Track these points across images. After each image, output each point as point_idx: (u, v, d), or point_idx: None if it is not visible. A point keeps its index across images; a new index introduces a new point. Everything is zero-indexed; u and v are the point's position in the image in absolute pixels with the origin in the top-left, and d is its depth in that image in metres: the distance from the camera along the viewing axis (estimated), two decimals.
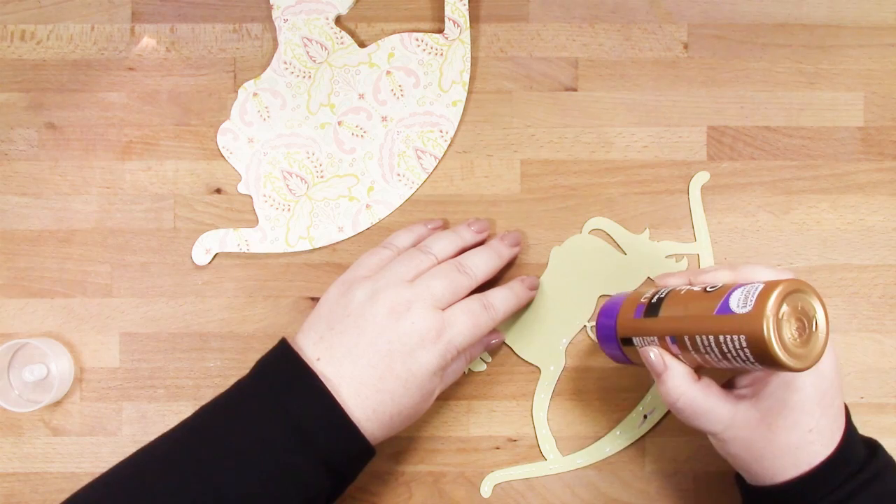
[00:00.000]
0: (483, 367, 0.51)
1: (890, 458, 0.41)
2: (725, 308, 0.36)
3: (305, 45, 0.51)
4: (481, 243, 0.49)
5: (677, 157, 0.52)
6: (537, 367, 0.51)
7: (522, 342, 0.51)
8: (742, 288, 0.36)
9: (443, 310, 0.43)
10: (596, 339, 0.50)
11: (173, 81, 0.52)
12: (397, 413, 0.42)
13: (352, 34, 0.52)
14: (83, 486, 0.40)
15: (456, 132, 0.52)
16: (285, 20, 0.51)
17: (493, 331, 0.48)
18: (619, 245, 0.51)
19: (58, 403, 0.51)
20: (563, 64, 0.52)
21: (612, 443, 0.50)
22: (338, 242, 0.51)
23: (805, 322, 0.35)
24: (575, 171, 0.52)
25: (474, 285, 0.45)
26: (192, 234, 0.51)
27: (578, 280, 0.51)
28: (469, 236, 0.48)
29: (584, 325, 0.51)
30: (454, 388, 0.50)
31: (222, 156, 0.52)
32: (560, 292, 0.51)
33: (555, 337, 0.51)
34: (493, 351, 0.51)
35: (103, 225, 0.52)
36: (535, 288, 0.49)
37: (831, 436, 0.39)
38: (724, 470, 0.50)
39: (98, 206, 0.52)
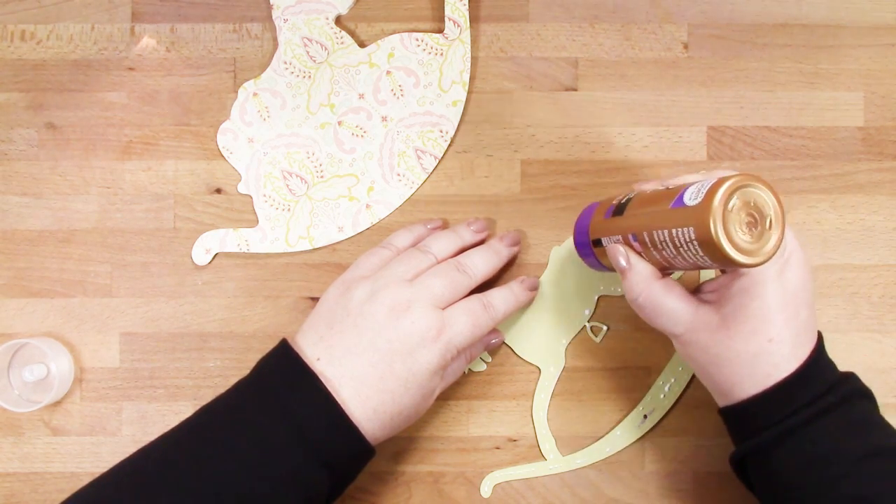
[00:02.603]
0: (483, 367, 0.51)
1: (863, 386, 0.40)
2: (679, 201, 0.36)
3: (305, 45, 0.51)
4: (482, 242, 0.49)
5: (677, 157, 0.52)
6: (537, 367, 0.51)
7: (522, 342, 0.51)
8: (697, 183, 0.36)
9: (442, 309, 0.43)
10: (594, 338, 0.50)
11: (173, 81, 0.52)
12: (398, 413, 0.42)
13: (352, 34, 0.52)
14: (83, 486, 0.40)
15: (456, 132, 0.52)
16: (285, 20, 0.51)
17: (494, 330, 0.48)
18: None
19: (58, 403, 0.51)
20: (563, 64, 0.52)
21: (612, 443, 0.50)
22: (338, 242, 0.51)
23: (757, 217, 0.35)
24: (575, 171, 0.52)
25: (474, 285, 0.45)
26: (192, 234, 0.51)
27: (578, 280, 0.51)
28: (469, 236, 0.48)
29: (584, 325, 0.51)
30: (454, 388, 0.50)
31: (222, 156, 0.52)
32: (560, 292, 0.51)
33: (555, 337, 0.51)
34: (493, 351, 0.51)
35: (103, 225, 0.52)
36: (535, 289, 0.49)
37: (794, 351, 0.38)
38: (725, 470, 0.50)
39: (98, 206, 0.52)
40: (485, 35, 0.52)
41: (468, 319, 0.43)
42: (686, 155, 0.52)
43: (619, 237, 0.41)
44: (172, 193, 0.52)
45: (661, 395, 0.50)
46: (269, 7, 0.51)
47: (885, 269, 0.51)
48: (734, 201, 0.34)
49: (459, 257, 0.46)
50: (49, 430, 0.51)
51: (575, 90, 0.52)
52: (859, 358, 0.51)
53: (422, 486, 0.51)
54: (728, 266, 0.37)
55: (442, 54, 0.51)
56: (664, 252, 0.37)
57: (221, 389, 0.42)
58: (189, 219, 0.52)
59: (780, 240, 0.35)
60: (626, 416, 0.50)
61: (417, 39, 0.51)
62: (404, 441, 0.50)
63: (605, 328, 0.51)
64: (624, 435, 0.50)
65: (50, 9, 0.52)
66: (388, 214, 0.51)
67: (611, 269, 0.43)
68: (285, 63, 0.51)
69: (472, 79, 0.52)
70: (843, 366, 0.51)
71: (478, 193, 0.52)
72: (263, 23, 0.52)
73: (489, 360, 0.51)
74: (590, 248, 0.44)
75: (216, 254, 0.51)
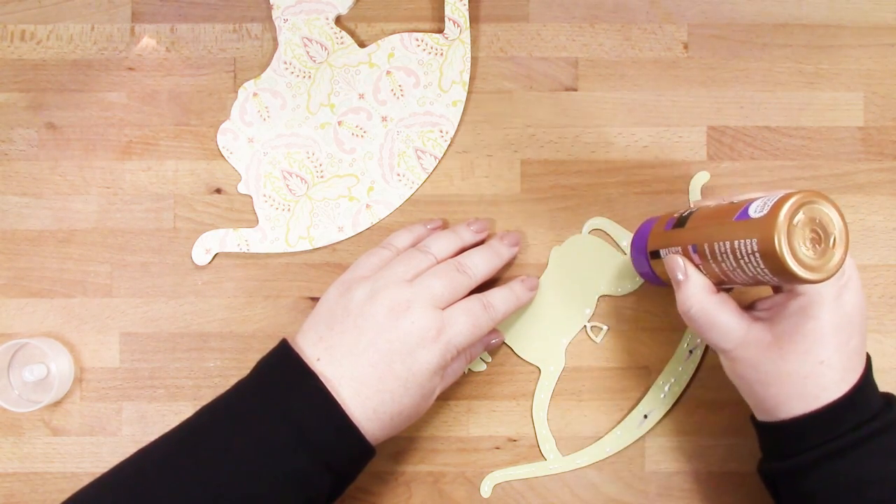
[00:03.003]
0: (483, 367, 0.51)
1: None
2: (744, 214, 0.36)
3: (305, 45, 0.51)
4: (481, 243, 0.49)
5: (677, 157, 0.52)
6: (537, 367, 0.51)
7: (522, 342, 0.51)
8: (763, 197, 0.36)
9: (442, 309, 0.43)
10: (594, 338, 0.50)
11: (173, 81, 0.52)
12: (398, 413, 0.42)
13: (352, 34, 0.52)
14: (83, 487, 0.40)
15: (456, 132, 0.52)
16: (285, 20, 0.51)
17: (494, 331, 0.48)
18: (618, 245, 0.51)
19: (58, 403, 0.51)
20: (563, 64, 0.52)
21: (613, 443, 0.50)
22: (338, 242, 0.51)
23: (822, 234, 0.35)
24: (575, 171, 0.52)
25: (474, 285, 0.45)
26: (192, 234, 0.51)
27: (578, 280, 0.51)
28: (468, 236, 0.48)
29: (584, 325, 0.51)
30: (454, 388, 0.50)
31: (222, 156, 0.52)
32: (560, 292, 0.51)
33: (555, 337, 0.51)
34: (493, 351, 0.51)
35: (103, 225, 0.52)
36: (535, 289, 0.49)
37: (844, 375, 0.38)
38: (725, 470, 0.50)
39: (98, 206, 0.52)
40: (485, 35, 0.52)
41: (468, 319, 0.43)
42: (686, 155, 0.52)
43: (679, 248, 0.41)
44: (172, 193, 0.52)
45: (661, 395, 0.50)
46: (269, 7, 0.51)
47: (885, 269, 0.51)
48: (800, 216, 0.34)
49: (459, 257, 0.45)
50: (49, 430, 0.51)
51: (575, 90, 0.52)
52: None
53: (422, 486, 0.51)
54: (788, 281, 0.36)
55: (442, 54, 0.51)
56: (724, 264, 0.38)
57: (221, 389, 0.42)
58: (189, 219, 0.52)
59: (843, 259, 0.35)
60: (626, 416, 0.50)
61: (417, 39, 0.51)
62: (404, 441, 0.50)
63: (605, 328, 0.51)
64: (624, 435, 0.50)
65: (50, 9, 0.52)
66: (388, 214, 0.51)
67: (666, 282, 0.42)
68: (285, 63, 0.51)
69: (472, 79, 0.52)
70: None
71: (478, 193, 0.52)
72: (263, 23, 0.52)
73: (489, 360, 0.51)
74: (646, 258, 0.44)
75: (216, 254, 0.51)
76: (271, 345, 0.43)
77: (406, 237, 0.47)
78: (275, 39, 0.52)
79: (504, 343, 0.51)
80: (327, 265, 0.51)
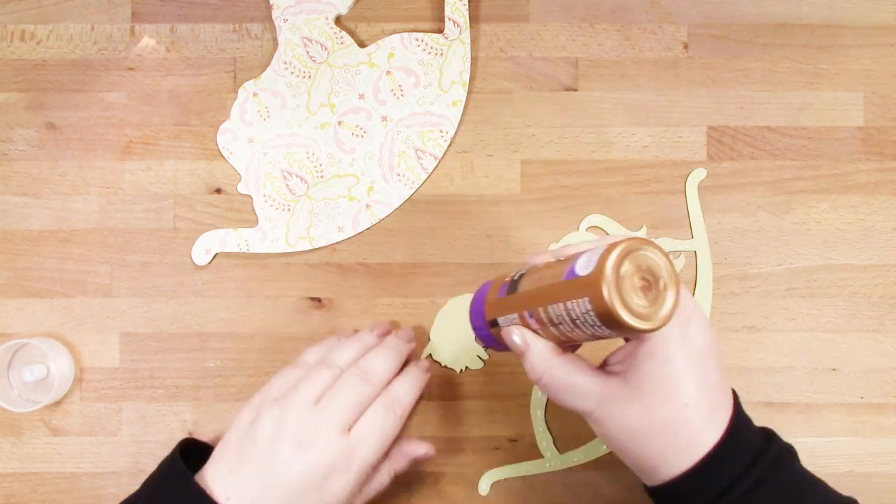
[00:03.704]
0: (480, 364, 0.51)
1: (784, 444, 0.39)
2: (571, 273, 0.34)
3: (305, 45, 0.51)
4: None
5: (677, 157, 0.52)
6: None
7: None
8: (588, 252, 0.34)
9: (349, 429, 0.43)
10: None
11: (173, 81, 0.52)
12: None
13: (352, 34, 0.52)
14: None
15: (456, 132, 0.52)
16: (285, 20, 0.51)
17: (423, 444, 0.48)
18: None
19: (58, 403, 0.51)
20: (563, 64, 0.52)
21: None
22: (338, 242, 0.51)
23: (651, 280, 0.33)
24: (575, 171, 0.52)
25: (379, 391, 0.45)
26: (192, 234, 0.51)
27: None
28: (371, 340, 0.48)
29: None
30: (454, 388, 0.50)
31: (222, 156, 0.52)
32: None
33: None
34: (491, 351, 0.51)
35: (103, 225, 0.52)
36: (428, 370, 0.49)
37: (712, 413, 0.36)
38: None
39: (98, 206, 0.52)
40: (485, 35, 0.52)
41: (375, 435, 0.43)
42: (686, 155, 0.52)
43: (516, 316, 0.38)
44: (172, 193, 0.52)
45: None
46: (269, 7, 0.51)
47: (885, 269, 0.51)
48: (626, 266, 0.33)
49: (361, 362, 0.45)
50: (49, 430, 0.51)
51: (575, 90, 0.52)
52: (859, 358, 0.51)
53: (422, 486, 0.51)
54: (628, 334, 0.35)
55: (442, 54, 0.51)
56: (562, 326, 0.36)
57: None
58: (189, 219, 0.52)
59: (677, 300, 0.34)
60: None
61: (417, 39, 0.51)
62: None
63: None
64: None
65: (50, 9, 0.52)
66: (388, 214, 0.51)
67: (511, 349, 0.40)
68: (285, 63, 0.51)
69: (472, 79, 0.52)
70: (843, 365, 0.51)
71: (478, 193, 0.52)
72: (263, 23, 0.52)
73: (486, 357, 0.51)
74: (487, 330, 0.41)
75: (216, 254, 0.51)
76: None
77: (317, 353, 0.47)
78: (275, 39, 0.52)
79: None
80: (327, 265, 0.51)
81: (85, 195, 0.52)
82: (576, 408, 0.38)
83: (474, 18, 0.52)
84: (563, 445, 0.50)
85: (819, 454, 0.50)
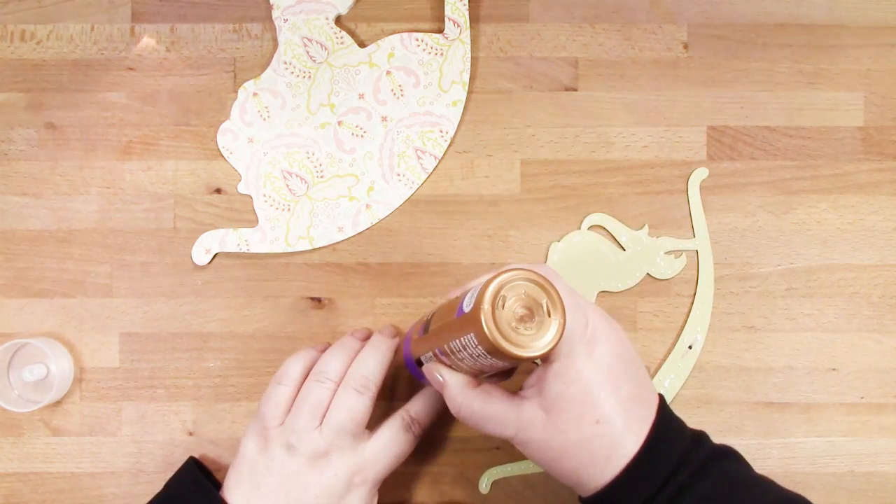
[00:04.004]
0: None
1: (716, 446, 0.39)
2: (460, 310, 0.36)
3: (305, 45, 0.51)
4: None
5: (677, 157, 0.52)
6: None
7: None
8: (473, 288, 0.36)
9: (359, 435, 0.44)
10: None
11: (173, 81, 0.52)
12: None
13: (352, 34, 0.52)
14: None
15: (456, 132, 0.52)
16: (285, 20, 0.51)
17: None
18: (618, 241, 0.51)
19: (58, 403, 0.51)
20: (563, 64, 0.52)
21: None
22: (338, 242, 0.51)
23: (533, 308, 0.34)
24: (575, 170, 0.52)
25: (376, 395, 0.45)
26: (192, 234, 0.51)
27: (577, 276, 0.51)
28: (354, 344, 0.48)
29: None
30: None
31: (222, 156, 0.52)
32: None
33: None
34: None
35: (103, 225, 0.52)
36: (397, 338, 0.49)
37: (627, 426, 0.37)
38: None
39: (98, 206, 0.52)
40: (485, 35, 0.52)
41: (390, 453, 0.45)
42: (686, 155, 0.52)
43: (430, 353, 0.40)
44: (172, 193, 0.52)
45: (660, 392, 0.50)
46: (269, 7, 0.51)
47: (885, 269, 0.51)
48: (505, 298, 0.34)
49: (353, 370, 0.45)
50: (49, 430, 0.51)
51: (575, 90, 0.52)
52: (859, 358, 0.51)
53: (422, 486, 0.51)
54: (520, 362, 0.36)
55: (442, 54, 0.51)
56: (464, 362, 0.37)
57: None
58: (189, 219, 0.52)
59: (563, 325, 0.34)
60: None
61: (417, 39, 0.51)
62: None
63: None
64: None
65: (50, 9, 0.52)
66: (388, 214, 0.51)
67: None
68: (285, 63, 0.51)
69: (472, 79, 0.52)
70: (843, 365, 0.51)
71: (478, 193, 0.52)
72: (263, 23, 0.52)
73: None
74: (417, 368, 0.43)
75: (216, 254, 0.51)
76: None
77: (298, 366, 0.46)
78: (275, 39, 0.52)
79: None
80: (327, 265, 0.51)
81: (85, 195, 0.52)
82: (497, 435, 0.39)
83: (474, 18, 0.52)
84: None
85: (819, 454, 0.50)
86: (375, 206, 0.51)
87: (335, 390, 0.45)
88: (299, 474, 0.43)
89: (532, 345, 0.34)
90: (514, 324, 0.34)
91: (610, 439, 0.37)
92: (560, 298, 0.35)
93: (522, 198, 0.52)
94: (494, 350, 0.34)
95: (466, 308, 0.35)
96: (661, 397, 0.40)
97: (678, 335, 0.51)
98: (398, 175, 0.51)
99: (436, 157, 0.52)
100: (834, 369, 0.51)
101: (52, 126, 0.52)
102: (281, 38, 0.51)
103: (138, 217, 0.52)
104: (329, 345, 0.48)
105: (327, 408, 0.44)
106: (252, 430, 0.45)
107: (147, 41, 0.52)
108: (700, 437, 0.39)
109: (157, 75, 0.52)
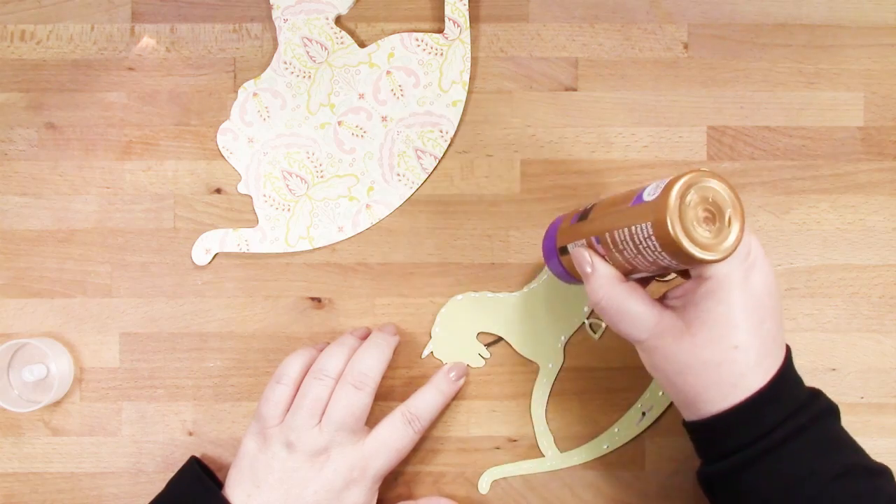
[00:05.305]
0: (481, 363, 0.51)
1: (831, 403, 0.39)
2: (639, 199, 0.36)
3: (305, 45, 0.51)
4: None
5: (677, 157, 0.52)
6: (537, 366, 0.51)
7: (521, 338, 0.51)
8: (657, 181, 0.36)
9: (359, 431, 0.45)
10: (594, 335, 0.51)
11: (173, 81, 0.52)
12: None
13: (352, 34, 0.52)
14: None
15: (456, 132, 0.52)
16: (285, 20, 0.51)
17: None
18: None
19: (58, 403, 0.51)
20: (563, 64, 0.52)
21: (610, 439, 0.50)
22: (338, 242, 0.51)
23: (716, 212, 0.34)
24: (575, 171, 0.52)
25: (375, 391, 0.45)
26: (192, 234, 0.51)
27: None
28: (353, 342, 0.48)
29: (584, 322, 0.51)
30: None
31: (222, 156, 0.52)
32: (559, 288, 0.51)
33: (554, 333, 0.51)
34: (493, 349, 0.51)
35: (103, 225, 0.52)
36: (462, 377, 0.50)
37: (760, 360, 0.37)
38: None
39: (98, 206, 0.52)
40: (485, 35, 0.52)
41: (390, 449, 0.45)
42: (686, 155, 0.52)
43: (584, 241, 0.40)
44: (172, 193, 0.52)
45: (660, 393, 0.50)
46: (269, 7, 0.51)
47: (885, 269, 0.51)
48: (691, 196, 0.34)
49: (351, 366, 0.45)
50: (49, 430, 0.51)
51: (575, 90, 0.52)
52: (859, 358, 0.51)
53: (422, 486, 0.51)
54: (687, 263, 0.36)
55: (442, 54, 0.51)
56: (626, 252, 0.37)
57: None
58: (189, 219, 0.52)
59: (740, 236, 0.34)
60: (624, 413, 0.51)
61: (417, 39, 0.51)
62: None
63: (604, 325, 0.51)
64: (622, 432, 0.50)
65: (50, 9, 0.52)
66: (388, 214, 0.51)
67: (578, 279, 0.42)
68: (285, 63, 0.51)
69: (472, 79, 0.52)
70: (843, 365, 0.51)
71: (478, 193, 0.52)
72: (263, 23, 0.52)
73: (488, 356, 0.51)
74: (556, 255, 0.43)
75: (216, 254, 0.51)
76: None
77: (297, 364, 0.46)
78: (275, 39, 0.52)
79: (503, 339, 0.51)
80: (327, 265, 0.51)
81: (85, 195, 0.52)
82: (628, 335, 0.39)
83: (474, 18, 0.52)
84: (563, 445, 0.50)
85: None
86: (375, 206, 0.51)
87: (334, 387, 0.45)
88: (299, 471, 0.43)
89: (709, 248, 0.34)
90: (695, 223, 0.34)
91: (741, 368, 0.37)
92: (743, 212, 0.35)
93: (522, 198, 0.52)
94: (670, 244, 0.34)
95: (648, 197, 0.35)
96: (789, 348, 0.40)
97: None
98: (398, 175, 0.51)
99: (436, 157, 0.52)
100: (834, 369, 0.51)
101: (52, 126, 0.52)
102: (281, 38, 0.51)
103: (138, 217, 0.52)
104: (328, 344, 0.48)
105: (326, 405, 0.44)
106: (252, 429, 0.45)
107: (147, 41, 0.52)
108: (817, 392, 0.40)
109: (157, 75, 0.52)
